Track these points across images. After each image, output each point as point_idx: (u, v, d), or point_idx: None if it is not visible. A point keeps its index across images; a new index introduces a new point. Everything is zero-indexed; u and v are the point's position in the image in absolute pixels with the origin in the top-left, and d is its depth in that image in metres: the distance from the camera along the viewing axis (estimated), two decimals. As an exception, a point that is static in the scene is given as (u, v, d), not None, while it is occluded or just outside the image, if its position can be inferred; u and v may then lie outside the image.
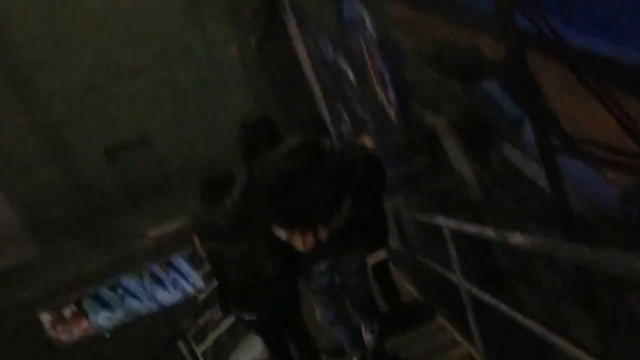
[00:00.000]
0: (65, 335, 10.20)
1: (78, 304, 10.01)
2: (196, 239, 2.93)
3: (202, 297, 9.34)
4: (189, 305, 9.73)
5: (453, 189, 3.83)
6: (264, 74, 11.25)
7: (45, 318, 10.03)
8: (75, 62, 10.94)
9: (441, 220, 2.89)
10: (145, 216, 12.94)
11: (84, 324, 10.20)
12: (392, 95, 4.40)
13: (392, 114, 4.90)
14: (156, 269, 10.12)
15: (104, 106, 11.95)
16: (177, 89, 11.75)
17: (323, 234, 2.65)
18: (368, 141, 3.72)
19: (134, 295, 10.20)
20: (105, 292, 10.02)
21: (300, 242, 2.64)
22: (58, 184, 11.79)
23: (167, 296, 10.34)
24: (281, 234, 2.66)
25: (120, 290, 10.07)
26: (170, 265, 10.22)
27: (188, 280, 10.21)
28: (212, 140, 12.13)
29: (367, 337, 3.26)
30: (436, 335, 3.65)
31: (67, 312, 10.03)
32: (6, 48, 11.06)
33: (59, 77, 11.26)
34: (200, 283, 10.51)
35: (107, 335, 10.24)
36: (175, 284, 10.31)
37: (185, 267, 10.25)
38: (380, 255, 3.64)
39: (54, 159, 11.74)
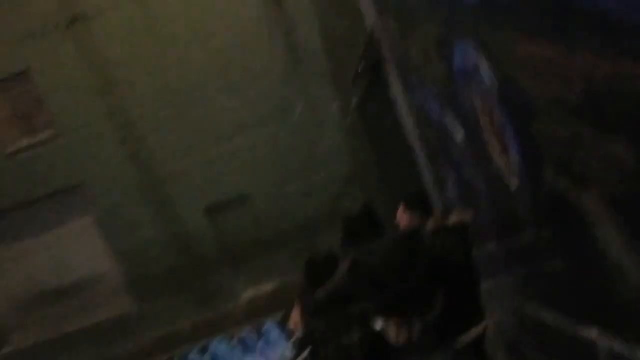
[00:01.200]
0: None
1: (169, 364, 9.70)
2: (298, 310, 3.07)
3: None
4: None
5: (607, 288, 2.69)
6: (364, 135, 11.01)
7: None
8: (181, 122, 11.15)
9: (592, 333, 2.15)
10: (240, 276, 12.97)
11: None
12: (514, 159, 3.46)
13: (512, 181, 3.90)
14: (247, 334, 9.64)
15: (207, 165, 12.38)
16: (277, 148, 12.16)
17: (418, 327, 2.66)
18: (460, 216, 3.68)
19: (222, 361, 9.75)
20: (194, 356, 9.64)
21: (395, 333, 2.66)
22: (160, 241, 11.83)
23: (256, 365, 9.77)
24: (377, 324, 2.72)
25: (208, 356, 9.65)
26: (260, 332, 9.69)
27: (276, 350, 9.56)
28: (310, 200, 12.21)
29: None
30: None
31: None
32: (120, 108, 11.57)
33: (166, 137, 11.51)
34: (288, 355, 9.72)
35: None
36: (263, 352, 9.73)
37: (275, 334, 9.67)
38: (473, 333, 3.33)
39: (158, 216, 11.84)
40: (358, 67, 7.97)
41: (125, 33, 11.53)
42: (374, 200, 10.34)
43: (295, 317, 3.17)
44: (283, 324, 9.93)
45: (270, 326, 9.78)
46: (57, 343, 12.73)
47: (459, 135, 5.15)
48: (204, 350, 9.81)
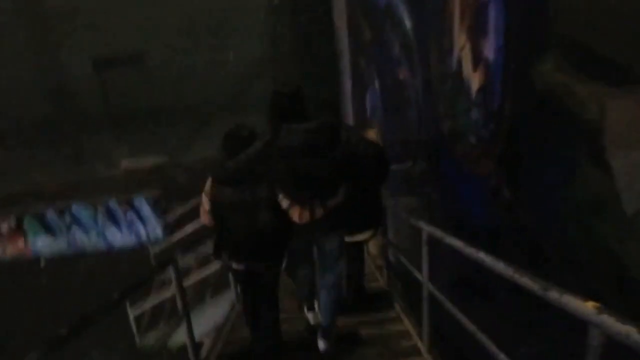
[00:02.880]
0: (-3, 251, 8.97)
1: (19, 220, 8.67)
2: (209, 181, 3.20)
3: (155, 249, 8.06)
4: (138, 255, 9.01)
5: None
6: (288, 16, 10.57)
7: (-23, 227, 8.79)
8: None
9: (422, 225, 3.18)
10: (121, 143, 12.11)
11: (20, 243, 8.94)
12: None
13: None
14: (114, 205, 8.81)
15: (101, 9, 10.89)
16: (189, 7, 10.94)
17: (318, 211, 3.03)
18: (372, 134, 4.30)
19: (82, 227, 8.94)
20: (51, 216, 8.74)
21: (297, 215, 3.01)
22: (38, 86, 10.42)
23: (119, 237, 9.20)
24: (283, 202, 3.01)
25: (68, 218, 8.79)
26: (131, 205, 8.90)
27: (146, 227, 8.89)
28: (216, 76, 11.28)
29: (310, 315, 3.84)
30: (391, 324, 3.95)
31: (4, 227, 8.72)
32: None
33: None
34: (158, 233, 9.19)
35: (42, 264, 8.94)
36: (131, 226, 9.05)
37: (146, 211, 8.98)
38: (360, 237, 3.87)
39: (39, 57, 10.31)
40: None
41: None
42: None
43: (209, 183, 3.20)
44: (157, 201, 9.23)
45: (142, 201, 8.97)
46: None
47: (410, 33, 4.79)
48: (62, 213, 8.82)
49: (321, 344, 3.53)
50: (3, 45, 10.96)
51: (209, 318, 4.51)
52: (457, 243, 2.57)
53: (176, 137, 11.75)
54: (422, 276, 3.24)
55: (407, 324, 3.86)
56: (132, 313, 6.97)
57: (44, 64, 10.95)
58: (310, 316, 3.86)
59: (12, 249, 9.53)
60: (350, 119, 8.65)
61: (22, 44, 11.10)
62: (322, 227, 3.13)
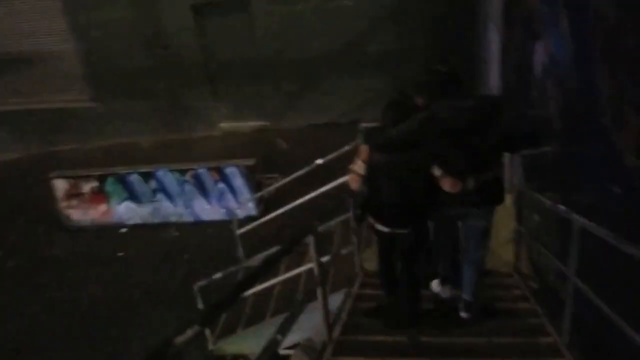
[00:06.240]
0: (78, 213, 7.99)
1: (101, 180, 7.64)
2: (363, 148, 3.43)
3: (240, 229, 6.48)
4: (226, 230, 7.69)
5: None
6: None
7: (60, 186, 7.82)
8: None
9: (574, 216, 3.03)
10: (222, 102, 10.87)
11: (102, 207, 7.98)
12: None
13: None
14: (204, 172, 7.54)
15: None
16: None
17: (471, 183, 3.17)
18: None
19: (167, 194, 7.78)
20: (135, 179, 7.67)
21: (449, 184, 3.16)
22: (132, 31, 9.55)
23: (206, 209, 7.86)
24: (436, 170, 3.22)
25: (153, 183, 7.67)
26: (222, 174, 7.60)
27: (238, 200, 7.57)
28: (326, 27, 9.70)
29: (445, 288, 4.02)
30: (526, 318, 3.84)
31: (86, 187, 7.76)
32: None
33: None
34: (251, 208, 7.85)
35: (124, 230, 7.93)
36: (220, 198, 7.77)
37: (239, 182, 7.70)
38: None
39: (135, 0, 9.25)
40: None
41: None
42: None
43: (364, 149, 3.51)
44: (251, 173, 7.86)
45: (234, 170, 7.61)
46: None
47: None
48: (147, 177, 7.73)
49: (464, 315, 3.82)
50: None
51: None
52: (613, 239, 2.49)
53: (279, 98, 10.36)
54: (569, 272, 3.16)
55: (545, 321, 3.73)
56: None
57: (142, 9, 9.85)
58: (440, 289, 4.06)
59: (95, 213, 8.67)
60: (493, 84, 7.11)
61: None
62: (471, 200, 3.31)
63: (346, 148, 6.00)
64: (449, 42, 8.88)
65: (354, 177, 3.40)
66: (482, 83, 7.92)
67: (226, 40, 10.45)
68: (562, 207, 3.31)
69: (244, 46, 10.33)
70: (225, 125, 11.37)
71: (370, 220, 3.55)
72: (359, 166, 3.38)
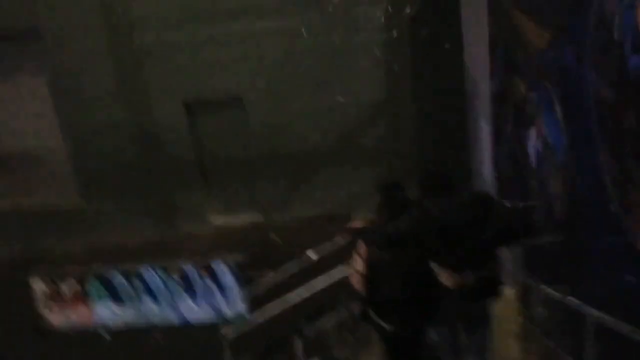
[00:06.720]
0: (58, 317, 7.49)
1: (83, 280, 7.29)
2: (361, 244, 3.45)
3: (229, 331, 6.12)
4: (214, 332, 7.18)
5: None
6: (408, 58, 9.14)
7: (38, 286, 7.38)
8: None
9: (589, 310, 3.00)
10: (213, 197, 10.60)
11: (83, 310, 7.45)
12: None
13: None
14: (191, 270, 7.19)
15: (195, 48, 9.73)
16: (291, 46, 9.51)
17: (469, 278, 3.19)
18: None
19: (152, 295, 7.34)
20: (118, 279, 7.22)
21: (449, 279, 3.19)
22: (123, 129, 9.81)
23: (194, 309, 7.34)
24: (435, 266, 3.25)
25: (137, 283, 7.25)
26: (210, 271, 7.27)
27: (227, 297, 7.17)
28: (321, 124, 9.74)
29: None
30: None
31: (65, 288, 7.33)
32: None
33: (151, 3, 9.61)
34: (240, 308, 7.43)
35: (107, 337, 7.43)
36: (208, 297, 7.33)
37: (228, 279, 7.33)
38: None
39: (126, 97, 9.80)
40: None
41: None
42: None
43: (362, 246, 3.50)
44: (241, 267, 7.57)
45: (223, 267, 7.27)
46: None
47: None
48: (129, 277, 7.37)
49: None
50: (91, 84, 10.27)
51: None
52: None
53: (273, 192, 10.23)
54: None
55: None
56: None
57: (132, 107, 9.97)
58: None
59: (76, 316, 8.15)
60: (486, 176, 7.14)
61: (110, 84, 10.33)
62: (470, 293, 3.33)
63: (340, 241, 5.87)
64: (440, 135, 8.81)
65: (356, 276, 3.45)
66: (475, 174, 7.87)
67: (219, 135, 10.39)
68: (573, 300, 3.26)
69: (237, 141, 10.25)
70: (217, 220, 11.21)
71: (373, 317, 3.53)
72: (359, 264, 3.44)
